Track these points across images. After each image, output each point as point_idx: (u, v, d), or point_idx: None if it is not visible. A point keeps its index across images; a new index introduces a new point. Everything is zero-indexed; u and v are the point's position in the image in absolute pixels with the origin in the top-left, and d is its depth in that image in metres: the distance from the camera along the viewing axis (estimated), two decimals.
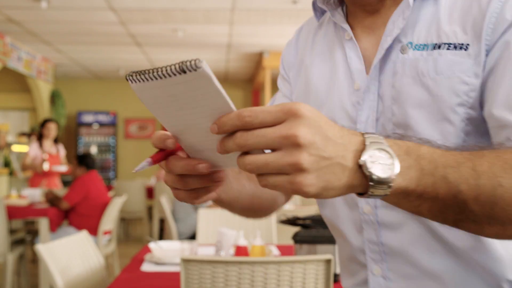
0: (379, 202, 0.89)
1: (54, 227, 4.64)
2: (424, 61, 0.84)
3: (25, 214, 4.68)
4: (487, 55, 0.80)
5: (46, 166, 6.03)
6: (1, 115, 11.09)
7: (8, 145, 8.39)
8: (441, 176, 0.64)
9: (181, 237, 4.53)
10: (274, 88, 10.14)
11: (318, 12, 1.03)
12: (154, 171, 11.15)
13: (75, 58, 9.27)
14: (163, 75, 0.62)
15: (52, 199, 4.77)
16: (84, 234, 2.67)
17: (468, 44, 0.81)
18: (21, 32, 7.32)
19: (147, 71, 0.64)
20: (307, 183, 0.59)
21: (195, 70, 0.60)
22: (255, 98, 11.65)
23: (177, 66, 0.61)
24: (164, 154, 0.70)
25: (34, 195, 5.24)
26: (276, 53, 8.57)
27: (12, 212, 4.60)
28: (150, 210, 7.76)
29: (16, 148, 8.39)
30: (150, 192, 7.65)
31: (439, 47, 0.83)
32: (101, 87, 11.72)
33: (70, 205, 4.78)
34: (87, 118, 11.36)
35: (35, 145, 6.20)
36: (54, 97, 9.94)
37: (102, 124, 11.43)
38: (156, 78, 0.63)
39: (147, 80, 0.64)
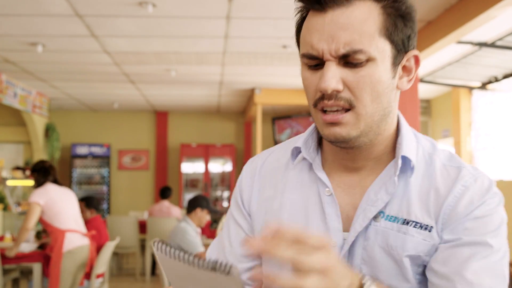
0: None
1: (48, 272, 4.70)
2: (394, 236, 0.96)
3: (19, 260, 4.73)
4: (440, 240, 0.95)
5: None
6: None
7: (3, 179, 8.46)
8: None
9: None
10: (265, 121, 10.34)
11: (294, 155, 1.08)
12: (147, 205, 11.23)
13: (70, 93, 9.41)
14: (193, 263, 0.67)
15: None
16: None
17: (432, 227, 0.95)
18: (17, 70, 7.46)
19: (177, 252, 0.69)
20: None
21: (226, 273, 0.65)
22: (247, 130, 11.78)
23: (210, 264, 0.66)
24: None
25: (29, 237, 5.28)
26: (267, 90, 8.75)
27: (6, 257, 4.65)
28: (143, 244, 7.84)
29: (10, 182, 8.45)
30: (143, 227, 7.73)
31: (408, 223, 0.96)
32: (95, 120, 11.83)
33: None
34: (81, 150, 11.45)
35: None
36: (49, 131, 10.04)
37: (95, 156, 11.52)
38: (184, 262, 0.68)
39: (175, 258, 0.69)
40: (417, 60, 0.99)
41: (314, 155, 1.06)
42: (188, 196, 10.65)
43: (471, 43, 5.48)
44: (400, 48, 0.95)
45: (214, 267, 0.66)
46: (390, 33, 0.93)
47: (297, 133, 9.81)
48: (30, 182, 7.84)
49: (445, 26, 4.78)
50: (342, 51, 0.90)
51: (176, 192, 11.42)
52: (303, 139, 1.07)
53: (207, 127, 12.01)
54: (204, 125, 12.00)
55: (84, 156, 11.46)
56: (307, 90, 0.97)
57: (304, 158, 1.07)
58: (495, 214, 0.94)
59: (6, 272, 5.00)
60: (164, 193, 8.00)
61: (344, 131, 0.94)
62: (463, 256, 0.91)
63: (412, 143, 1.01)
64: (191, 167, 11.75)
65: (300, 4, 0.99)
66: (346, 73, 0.91)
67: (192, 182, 11.71)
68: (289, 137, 9.82)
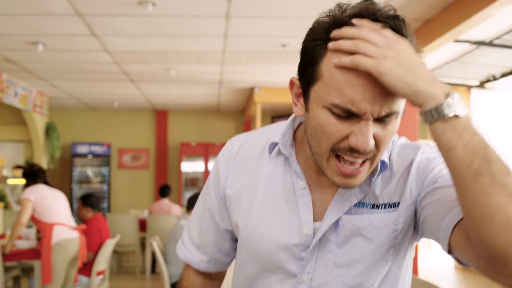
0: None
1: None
2: (364, 218, 1.05)
3: (20, 257, 4.77)
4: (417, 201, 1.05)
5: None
6: None
7: (4, 178, 8.49)
8: (482, 139, 0.86)
9: (172, 279, 4.64)
10: (265, 120, 10.36)
11: (271, 149, 1.14)
12: (147, 204, 11.27)
13: (70, 92, 9.45)
14: None
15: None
16: None
17: (398, 202, 1.06)
18: (18, 70, 7.50)
19: None
20: (389, 63, 0.87)
21: None
22: (247, 129, 11.81)
23: None
24: None
25: (29, 234, 5.32)
26: (267, 88, 8.77)
27: (7, 254, 4.68)
28: (143, 242, 7.87)
29: (11, 181, 8.49)
30: (143, 225, 7.76)
31: (378, 207, 1.06)
32: (96, 119, 11.86)
33: (94, 253, 4.89)
34: (82, 149, 11.48)
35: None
36: (49, 130, 10.08)
37: (96, 155, 11.55)
38: None
39: None
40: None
41: (290, 150, 1.12)
42: (188, 195, 10.68)
43: (469, 41, 5.51)
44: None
45: None
46: None
47: None
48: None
49: (443, 24, 4.80)
50: (383, 113, 0.92)
51: (176, 191, 11.46)
52: (281, 134, 1.12)
53: (206, 126, 12.04)
54: (204, 124, 12.03)
55: (84, 155, 11.49)
56: (329, 135, 0.95)
57: (279, 152, 1.13)
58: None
59: (7, 269, 5.04)
60: (163, 191, 8.03)
61: (359, 181, 0.99)
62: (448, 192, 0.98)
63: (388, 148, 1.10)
64: (191, 166, 11.79)
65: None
66: (377, 129, 0.94)
67: (192, 181, 11.74)
68: None
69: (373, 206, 1.05)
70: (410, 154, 1.09)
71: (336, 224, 1.05)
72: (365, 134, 0.92)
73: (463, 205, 0.86)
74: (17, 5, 4.79)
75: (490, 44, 5.54)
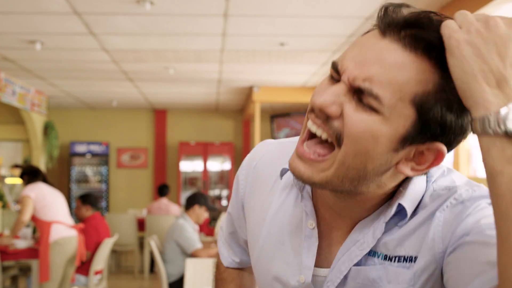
0: None
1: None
2: (376, 270, 0.88)
3: (18, 256, 4.77)
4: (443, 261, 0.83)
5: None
6: None
7: (2, 177, 8.49)
8: None
9: (170, 279, 4.63)
10: (264, 119, 10.36)
11: (282, 173, 0.99)
12: (145, 203, 11.26)
13: (69, 91, 9.43)
14: None
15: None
16: None
17: (416, 257, 0.86)
18: (16, 68, 7.48)
19: None
20: (464, 37, 0.73)
21: None
22: (246, 128, 11.81)
23: None
24: None
25: (26, 233, 5.32)
26: (266, 87, 8.76)
27: (5, 253, 4.69)
28: (141, 241, 7.87)
29: (9, 180, 8.48)
30: (141, 224, 7.76)
31: (391, 259, 0.87)
32: (94, 118, 11.85)
33: (92, 252, 4.89)
34: (80, 148, 11.47)
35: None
36: (48, 129, 10.06)
37: (94, 154, 11.54)
38: None
39: None
40: (438, 157, 0.82)
41: (302, 184, 0.96)
42: (187, 194, 10.67)
43: None
44: (426, 131, 0.79)
45: None
46: (427, 109, 0.77)
47: (295, 131, 9.82)
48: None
49: None
50: (359, 83, 0.78)
51: (175, 190, 11.45)
52: None
53: (205, 125, 12.03)
54: (203, 123, 12.02)
55: (82, 155, 11.48)
56: (313, 93, 0.85)
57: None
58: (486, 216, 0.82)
59: (5, 269, 5.04)
60: (162, 190, 8.03)
61: (308, 172, 0.83)
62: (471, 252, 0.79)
63: (419, 189, 0.88)
64: (190, 165, 11.77)
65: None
66: (350, 105, 0.79)
67: (191, 180, 11.73)
68: (287, 135, 9.83)
69: (385, 258, 0.88)
70: (443, 196, 0.87)
71: (345, 276, 0.91)
72: (326, 89, 0.81)
73: (501, 260, 0.67)
74: (15, 4, 4.77)
75: None
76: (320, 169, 0.82)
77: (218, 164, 11.80)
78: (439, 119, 0.77)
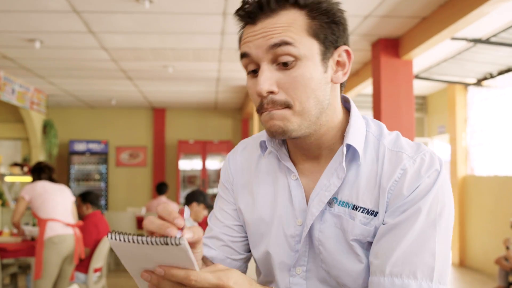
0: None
1: None
2: (346, 221, 1.04)
3: (17, 254, 4.78)
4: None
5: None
6: None
7: (1, 175, 8.49)
8: None
9: None
10: None
11: (263, 147, 1.18)
12: (144, 202, 11.27)
13: (68, 89, 9.44)
14: (147, 242, 0.76)
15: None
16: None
17: (377, 212, 1.02)
18: (15, 67, 7.49)
19: (131, 237, 0.77)
20: None
21: (176, 245, 0.75)
22: (245, 127, 11.82)
23: (161, 240, 0.75)
24: None
25: (33, 231, 5.31)
26: None
27: (4, 251, 4.70)
28: None
29: (8, 178, 8.49)
30: (140, 222, 7.77)
31: (356, 209, 1.03)
32: (93, 116, 11.86)
33: (91, 249, 4.90)
34: (79, 147, 11.48)
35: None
36: (47, 127, 10.07)
37: (93, 153, 11.55)
38: (139, 243, 0.77)
39: (129, 242, 0.77)
40: (348, 54, 1.05)
41: (279, 147, 1.14)
42: (186, 192, 10.69)
43: (466, 39, 5.52)
44: (328, 45, 1.01)
45: (166, 242, 0.75)
46: (316, 32, 0.99)
47: None
48: (28, 179, 7.90)
49: (439, 22, 4.82)
50: (274, 41, 0.96)
51: (174, 188, 11.46)
52: None
53: (204, 123, 12.04)
54: (202, 121, 12.04)
55: (82, 153, 11.49)
56: (252, 98, 1.03)
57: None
58: (429, 193, 0.97)
59: (4, 267, 5.05)
60: (160, 189, 8.04)
61: (281, 123, 1.00)
62: (394, 238, 0.96)
63: (359, 131, 1.07)
64: (189, 164, 11.79)
65: (239, 23, 1.05)
66: (279, 76, 0.98)
67: (189, 179, 11.75)
68: None
69: (353, 208, 1.04)
70: (398, 160, 1.03)
71: (321, 220, 1.07)
72: (259, 77, 0.98)
73: None
74: (14, 2, 4.79)
75: (487, 41, 5.55)
76: (288, 120, 1.00)
77: (216, 163, 11.82)
78: (327, 32, 1.00)
